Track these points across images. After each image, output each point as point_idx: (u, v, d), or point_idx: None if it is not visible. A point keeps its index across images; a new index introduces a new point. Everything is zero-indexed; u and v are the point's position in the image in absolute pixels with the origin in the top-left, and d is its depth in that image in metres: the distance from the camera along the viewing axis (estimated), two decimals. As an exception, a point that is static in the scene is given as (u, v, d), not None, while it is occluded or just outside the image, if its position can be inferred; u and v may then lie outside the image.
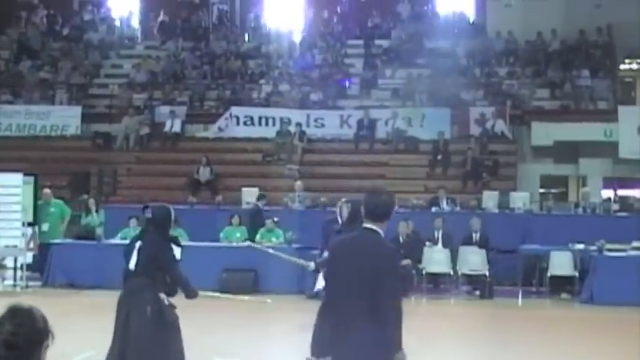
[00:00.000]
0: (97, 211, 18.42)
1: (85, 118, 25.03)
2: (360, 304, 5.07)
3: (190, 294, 7.75)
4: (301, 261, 11.46)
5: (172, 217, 7.70)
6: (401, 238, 16.19)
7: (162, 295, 7.41)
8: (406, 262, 15.79)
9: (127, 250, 7.57)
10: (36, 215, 17.51)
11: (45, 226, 17.77)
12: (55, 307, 13.91)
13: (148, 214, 7.71)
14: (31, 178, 17.64)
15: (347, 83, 26.19)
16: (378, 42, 27.51)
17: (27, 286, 16.37)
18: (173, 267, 7.53)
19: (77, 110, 25.21)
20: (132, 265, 7.45)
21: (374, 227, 5.31)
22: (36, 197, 17.73)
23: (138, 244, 7.50)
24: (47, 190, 18.23)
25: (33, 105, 25.55)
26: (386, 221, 5.35)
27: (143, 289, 7.39)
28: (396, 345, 5.05)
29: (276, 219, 17.41)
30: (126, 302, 7.51)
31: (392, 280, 5.13)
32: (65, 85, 26.52)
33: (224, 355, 10.79)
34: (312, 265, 10.74)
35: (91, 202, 18.60)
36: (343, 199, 9.42)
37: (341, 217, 9.13)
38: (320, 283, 13.52)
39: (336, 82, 25.90)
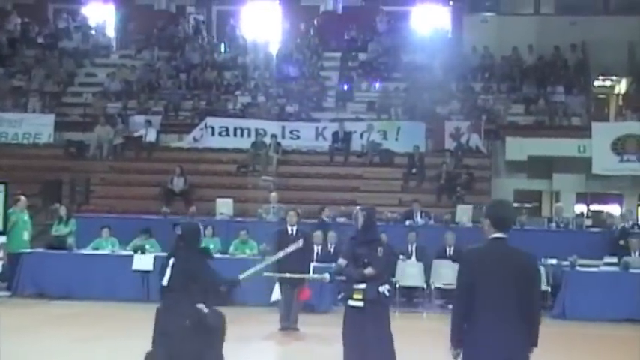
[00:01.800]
0: (67, 221, 18.16)
1: (59, 126, 24.83)
2: (511, 307, 5.57)
3: (234, 287, 8.03)
4: (315, 275, 11.79)
5: (201, 233, 7.98)
6: (375, 251, 16.13)
7: (201, 305, 7.55)
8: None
9: (161, 266, 7.77)
10: (6, 224, 17.22)
11: (26, 235, 17.58)
12: (25, 318, 13.78)
13: (178, 232, 7.92)
14: (1, 187, 17.36)
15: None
16: (354, 55, 27.60)
17: (-5, 296, 16.16)
18: (211, 281, 7.67)
19: (50, 118, 25.01)
20: (165, 281, 7.63)
21: (504, 236, 5.70)
22: (6, 206, 17.44)
23: (171, 260, 7.68)
24: (24, 198, 17.99)
25: (5, 112, 25.31)
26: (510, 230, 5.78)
27: (179, 304, 7.54)
28: (535, 342, 5.77)
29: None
30: (163, 317, 7.64)
31: (538, 285, 5.83)
32: (38, 93, 26.30)
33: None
34: (327, 276, 10.86)
35: (62, 210, 18.39)
36: (358, 207, 9.59)
37: (357, 225, 9.23)
38: (276, 294, 13.52)
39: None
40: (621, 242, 17.47)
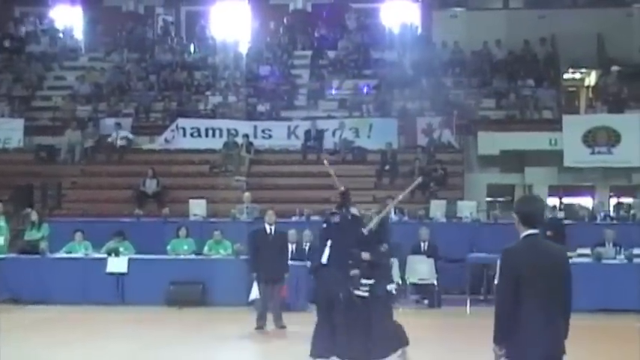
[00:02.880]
0: (39, 226, 17.98)
1: (28, 130, 24.59)
2: (554, 303, 5.61)
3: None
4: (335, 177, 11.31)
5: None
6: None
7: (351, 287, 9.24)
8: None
9: (320, 247, 9.42)
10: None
11: (1, 240, 17.42)
12: (1, 324, 13.62)
13: (336, 220, 9.52)
14: (-28, 193, 17.24)
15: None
16: (324, 53, 27.57)
17: (-32, 303, 15.96)
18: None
19: (19, 123, 24.75)
20: (324, 258, 9.21)
21: (536, 232, 5.65)
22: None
23: (329, 242, 9.25)
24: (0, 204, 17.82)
25: (-27, 118, 25.05)
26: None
27: (337, 279, 9.15)
28: (567, 335, 5.78)
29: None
30: (322, 285, 9.31)
31: (571, 280, 5.79)
32: (7, 98, 26.04)
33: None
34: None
35: (34, 215, 18.21)
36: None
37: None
38: (254, 293, 13.58)
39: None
40: (549, 233, 17.56)
